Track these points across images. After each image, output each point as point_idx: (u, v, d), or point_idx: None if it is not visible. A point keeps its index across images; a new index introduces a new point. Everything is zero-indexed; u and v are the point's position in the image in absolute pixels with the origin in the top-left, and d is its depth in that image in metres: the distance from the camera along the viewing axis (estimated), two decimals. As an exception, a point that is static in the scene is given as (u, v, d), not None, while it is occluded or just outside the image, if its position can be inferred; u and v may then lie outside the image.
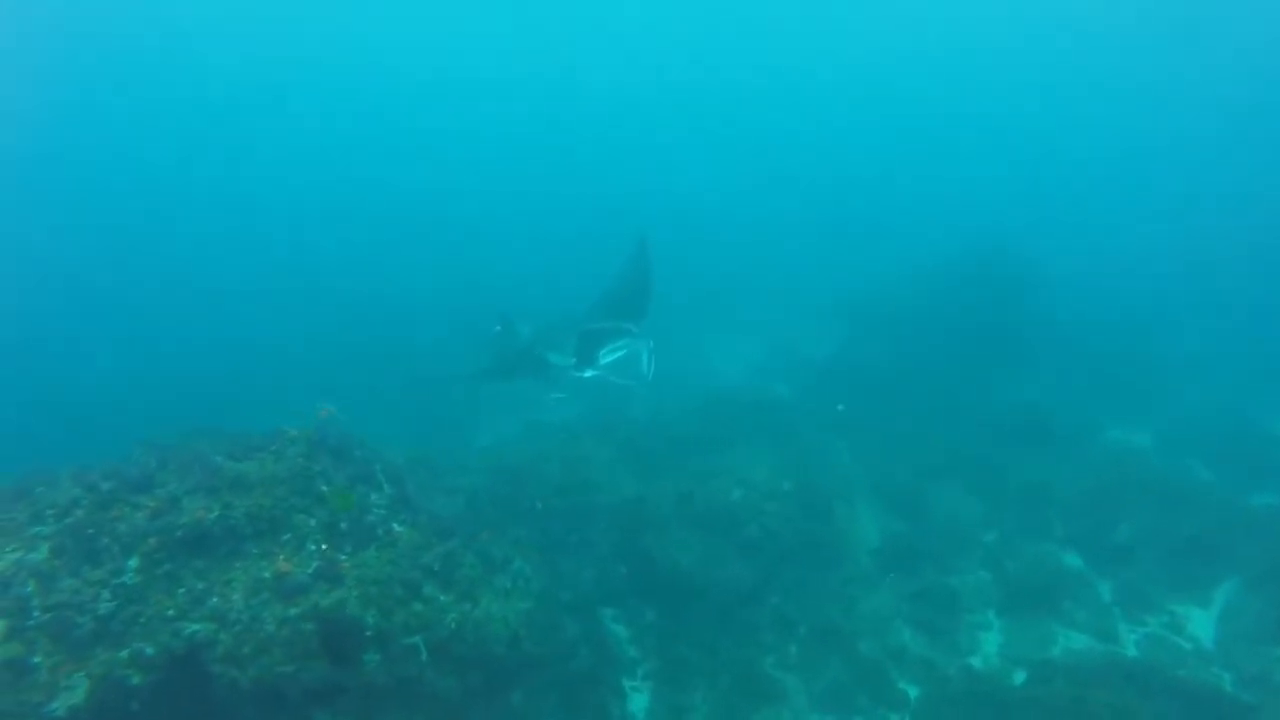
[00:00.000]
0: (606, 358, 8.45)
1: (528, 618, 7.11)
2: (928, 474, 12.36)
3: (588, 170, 36.61)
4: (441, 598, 5.71)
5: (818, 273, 25.68)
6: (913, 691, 8.43)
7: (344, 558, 5.31)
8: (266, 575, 4.93)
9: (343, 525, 5.52)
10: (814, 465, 12.33)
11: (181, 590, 4.82)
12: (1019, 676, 8.60)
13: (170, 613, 4.70)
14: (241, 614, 4.71)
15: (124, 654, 4.47)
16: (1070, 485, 11.57)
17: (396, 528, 5.91)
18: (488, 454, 11.66)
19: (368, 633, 4.99)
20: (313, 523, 5.40)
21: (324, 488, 5.70)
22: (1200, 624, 9.38)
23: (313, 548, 5.24)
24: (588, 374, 8.64)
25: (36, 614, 4.58)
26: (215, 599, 4.82)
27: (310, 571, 5.02)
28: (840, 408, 13.65)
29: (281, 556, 5.07)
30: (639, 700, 8.42)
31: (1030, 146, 38.09)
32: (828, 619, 9.42)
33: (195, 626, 4.64)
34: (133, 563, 4.86)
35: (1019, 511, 11.44)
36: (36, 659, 4.43)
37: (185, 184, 32.69)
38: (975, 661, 9.06)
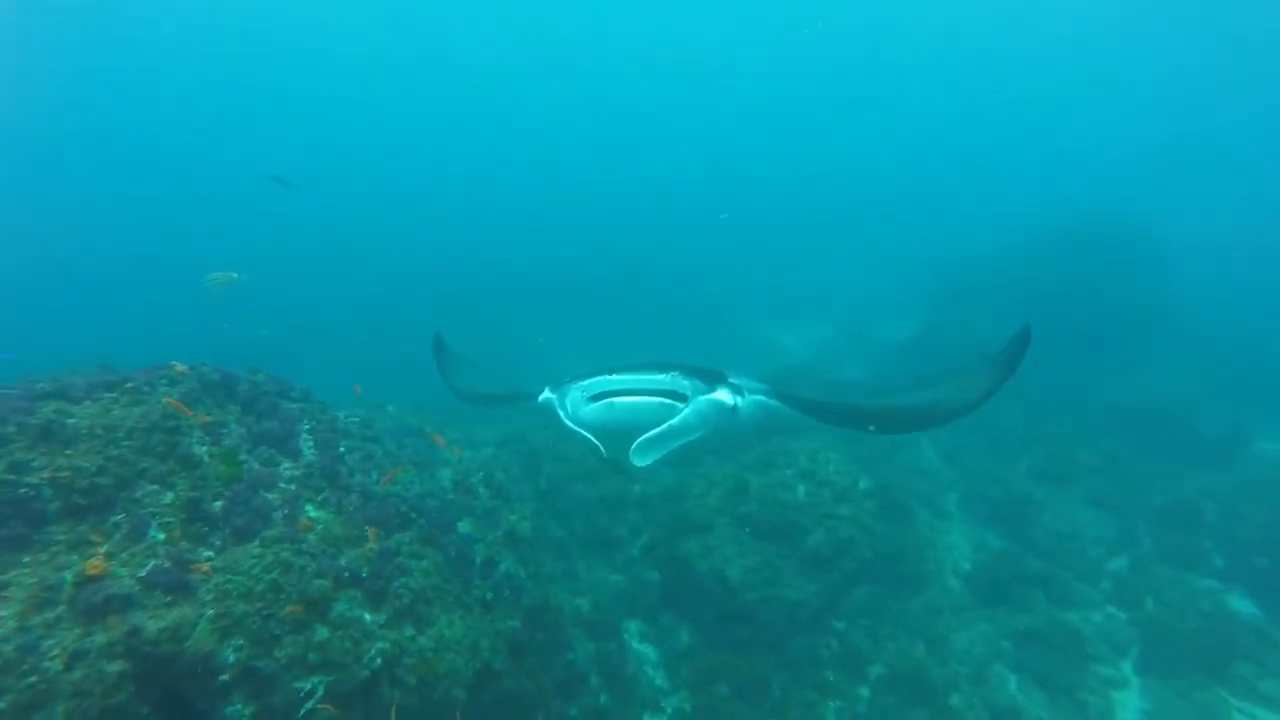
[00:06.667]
0: (591, 391, 4.62)
1: (512, 642, 5.26)
2: (1035, 480, 10.05)
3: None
4: (366, 618, 3.84)
5: (895, 254, 23.91)
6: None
7: (208, 554, 3.47)
8: (66, 579, 3.12)
9: (216, 505, 3.66)
10: (893, 462, 10.25)
11: (-88, 596, 3.03)
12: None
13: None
14: (6, 642, 2.91)
15: None
16: (1230, 507, 9.07)
17: (311, 513, 4.04)
18: (502, 425, 9.82)
19: (224, 676, 3.14)
20: (168, 498, 3.56)
21: (200, 449, 3.86)
22: None
23: (159, 536, 3.41)
24: (540, 398, 5.11)
25: None
26: (-29, 613, 3.01)
27: (143, 575, 3.19)
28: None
29: (103, 549, 3.26)
30: (660, 746, 6.55)
31: (1161, 117, 33.86)
32: (909, 658, 7.42)
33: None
34: None
35: (1160, 534, 9.05)
36: None
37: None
38: (1111, 733, 6.83)
